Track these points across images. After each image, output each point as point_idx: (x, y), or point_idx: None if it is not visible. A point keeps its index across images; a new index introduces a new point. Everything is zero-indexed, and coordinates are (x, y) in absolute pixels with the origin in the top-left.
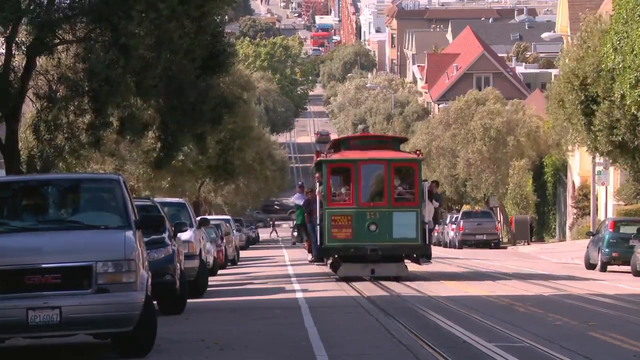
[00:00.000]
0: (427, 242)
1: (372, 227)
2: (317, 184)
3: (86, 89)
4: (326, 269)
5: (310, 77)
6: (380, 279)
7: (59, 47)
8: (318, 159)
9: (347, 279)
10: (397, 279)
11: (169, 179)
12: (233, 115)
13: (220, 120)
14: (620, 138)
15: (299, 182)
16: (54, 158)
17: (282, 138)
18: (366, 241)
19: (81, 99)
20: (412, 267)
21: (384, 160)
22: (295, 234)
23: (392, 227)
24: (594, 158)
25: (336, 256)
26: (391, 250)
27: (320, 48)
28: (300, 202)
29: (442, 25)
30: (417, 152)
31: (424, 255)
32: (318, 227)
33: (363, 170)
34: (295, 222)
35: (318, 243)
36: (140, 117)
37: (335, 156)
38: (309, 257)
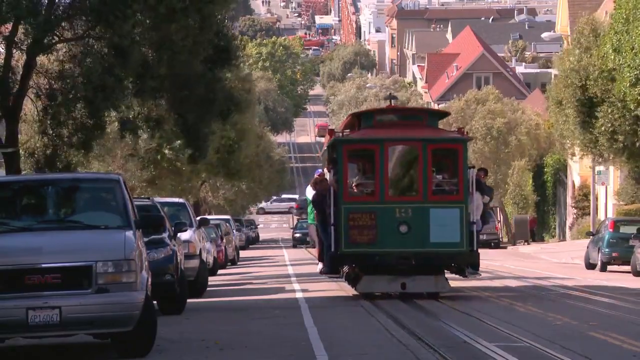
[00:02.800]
0: (475, 248)
1: (403, 228)
2: (331, 172)
3: (82, 93)
4: (344, 284)
5: (310, 77)
6: (414, 297)
7: (58, 46)
8: (332, 138)
9: (370, 297)
10: (434, 295)
11: (167, 179)
12: (240, 112)
13: (228, 115)
14: (622, 144)
15: (318, 171)
16: (54, 156)
17: (282, 138)
18: (395, 246)
19: (76, 102)
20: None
21: (418, 140)
22: (298, 235)
23: (428, 228)
24: (594, 159)
25: (355, 266)
26: (428, 259)
27: (320, 48)
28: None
29: (442, 25)
30: (461, 130)
31: (471, 265)
32: (332, 228)
33: (391, 154)
34: (296, 223)
35: (332, 249)
36: (151, 116)
37: (355, 135)
38: (319, 267)
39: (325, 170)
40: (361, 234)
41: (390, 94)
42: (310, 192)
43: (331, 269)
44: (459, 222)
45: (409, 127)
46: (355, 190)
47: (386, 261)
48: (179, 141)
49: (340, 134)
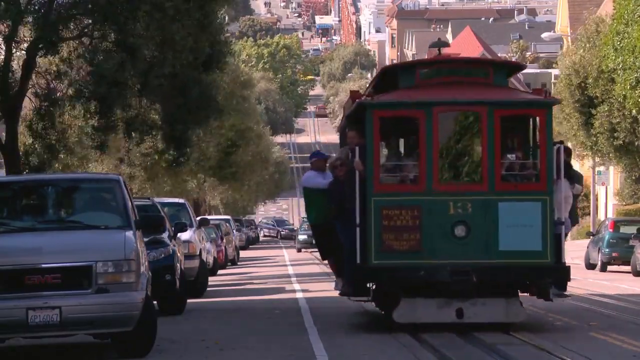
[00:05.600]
0: (563, 259)
1: (460, 231)
2: (354, 151)
3: (90, 91)
4: (371, 307)
5: (311, 76)
6: (473, 328)
7: (63, 46)
8: (356, 103)
9: (411, 327)
10: (505, 327)
11: (166, 179)
12: (235, 112)
13: (220, 113)
14: (621, 141)
15: (315, 152)
16: (49, 157)
17: (283, 138)
18: (448, 256)
19: (87, 102)
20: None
21: (482, 103)
22: (303, 237)
23: (496, 231)
24: (594, 159)
25: (390, 284)
26: (496, 275)
27: (320, 49)
28: (319, 184)
29: (442, 25)
30: (540, 90)
31: (557, 283)
32: (357, 230)
33: (443, 124)
34: (302, 223)
35: (357, 259)
36: (147, 118)
37: (391, 98)
38: (338, 284)
39: (350, 145)
40: (399, 239)
41: (439, 38)
42: (312, 180)
43: (355, 287)
44: (540, 221)
45: (467, 86)
46: (390, 176)
47: (435, 277)
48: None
49: (369, 97)
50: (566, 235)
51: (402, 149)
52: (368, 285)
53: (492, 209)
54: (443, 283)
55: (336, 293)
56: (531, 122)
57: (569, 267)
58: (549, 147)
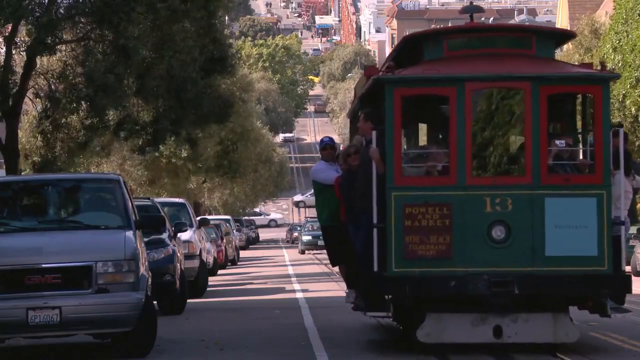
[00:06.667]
0: (623, 267)
1: (498, 232)
2: (368, 136)
3: (81, 93)
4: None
5: (310, 76)
6: (513, 349)
7: (61, 47)
8: (373, 79)
9: (439, 348)
10: (551, 347)
11: (165, 180)
12: (234, 115)
13: (223, 119)
14: None
15: (326, 139)
16: (52, 158)
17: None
18: (484, 264)
19: (79, 102)
20: None
21: (525, 79)
22: (307, 237)
23: (543, 233)
24: None
25: (414, 297)
26: (542, 285)
27: (320, 49)
28: (329, 178)
29: (442, 26)
30: (590, 64)
31: (615, 296)
32: (374, 231)
33: (477, 104)
34: (306, 223)
35: (374, 267)
36: (138, 118)
37: (414, 72)
38: (350, 296)
39: (363, 130)
40: (425, 242)
41: (471, 2)
42: (324, 173)
43: (372, 301)
44: (595, 221)
45: (505, 59)
46: (414, 167)
47: (469, 289)
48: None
49: (388, 72)
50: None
51: (428, 134)
52: (387, 297)
53: (538, 206)
54: (478, 296)
55: (336, 293)
56: (583, 102)
57: (629, 276)
58: (605, 131)
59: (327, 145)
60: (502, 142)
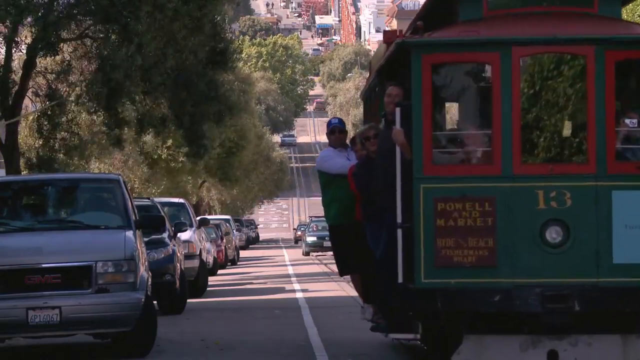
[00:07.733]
0: None
1: (554, 234)
2: (391, 114)
3: (98, 87)
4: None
5: (310, 76)
6: None
7: (66, 46)
8: (397, 41)
9: None
10: None
11: (165, 180)
12: (234, 115)
13: (222, 118)
14: None
15: (334, 120)
16: (52, 156)
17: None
18: (536, 274)
19: (95, 99)
20: None
21: (587, 41)
22: (312, 238)
23: (610, 235)
24: None
25: (448, 314)
26: (609, 300)
27: (320, 49)
28: (344, 167)
29: None
30: None
31: None
32: (398, 233)
33: (526, 74)
34: (310, 223)
35: (398, 278)
36: (158, 112)
37: (447, 35)
38: (367, 312)
39: (385, 108)
40: (462, 247)
41: None
42: (332, 161)
43: (396, 320)
44: None
45: (561, 19)
46: (447, 153)
47: (518, 306)
48: (170, 139)
49: (417, 36)
50: None
51: (465, 113)
52: (416, 316)
53: (603, 201)
54: (529, 313)
55: (336, 293)
56: None
57: None
58: None
59: (335, 128)
60: (559, 121)
